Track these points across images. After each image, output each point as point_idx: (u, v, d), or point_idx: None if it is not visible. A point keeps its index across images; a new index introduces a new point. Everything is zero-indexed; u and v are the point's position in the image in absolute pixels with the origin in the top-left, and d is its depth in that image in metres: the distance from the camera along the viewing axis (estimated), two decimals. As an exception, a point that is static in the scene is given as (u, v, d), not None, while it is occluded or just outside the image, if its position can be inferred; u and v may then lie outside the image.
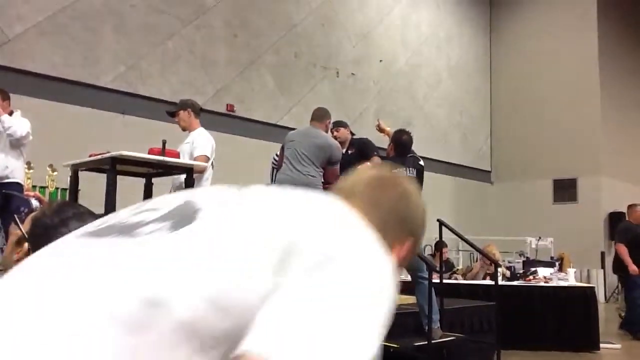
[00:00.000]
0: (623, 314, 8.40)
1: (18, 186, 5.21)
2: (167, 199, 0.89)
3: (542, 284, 7.31)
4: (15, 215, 1.46)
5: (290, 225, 0.76)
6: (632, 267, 7.67)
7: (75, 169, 4.19)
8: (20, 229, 1.40)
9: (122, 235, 0.77)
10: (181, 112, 5.20)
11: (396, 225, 1.04)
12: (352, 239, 0.77)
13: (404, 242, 1.05)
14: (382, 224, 0.95)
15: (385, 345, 3.18)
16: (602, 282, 12.59)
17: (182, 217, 0.78)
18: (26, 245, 1.37)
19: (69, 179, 4.31)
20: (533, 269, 7.73)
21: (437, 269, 5.91)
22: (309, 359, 0.62)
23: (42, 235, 1.36)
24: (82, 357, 0.63)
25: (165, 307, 0.66)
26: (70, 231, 1.35)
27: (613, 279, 10.95)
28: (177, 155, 4.34)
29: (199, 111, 5.32)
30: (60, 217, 1.38)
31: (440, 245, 7.30)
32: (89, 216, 1.43)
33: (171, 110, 5.32)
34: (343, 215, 0.84)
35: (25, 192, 5.18)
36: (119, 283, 0.69)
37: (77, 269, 0.73)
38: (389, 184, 1.08)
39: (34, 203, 4.98)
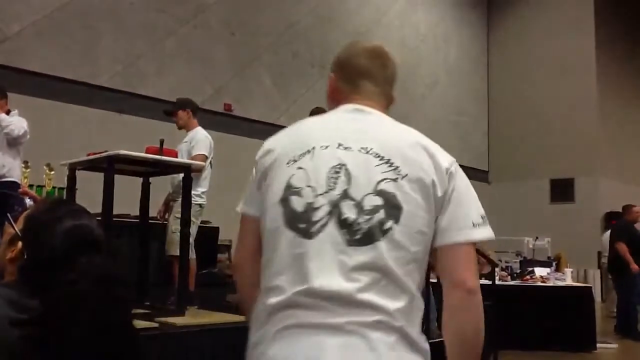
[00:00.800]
0: (614, 315, 8.38)
1: (15, 185, 5.20)
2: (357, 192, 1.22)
3: (539, 283, 7.33)
4: (9, 214, 1.46)
5: (439, 166, 1.27)
6: (634, 266, 7.61)
7: (73, 168, 4.18)
8: (14, 228, 1.39)
9: (373, 244, 1.18)
10: (180, 111, 5.18)
11: (395, 83, 1.49)
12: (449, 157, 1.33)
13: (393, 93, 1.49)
14: (391, 90, 1.50)
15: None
16: (598, 282, 12.61)
17: (392, 209, 1.20)
18: (20, 243, 1.37)
19: (66, 178, 4.30)
20: (530, 269, 7.75)
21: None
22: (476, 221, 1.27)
23: (35, 233, 1.36)
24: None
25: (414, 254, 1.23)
26: (64, 228, 1.35)
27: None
28: (175, 154, 4.33)
29: (197, 110, 5.31)
30: (53, 215, 1.38)
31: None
32: (82, 213, 1.42)
33: (169, 110, 5.30)
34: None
35: (19, 191, 5.17)
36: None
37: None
38: (385, 56, 1.48)
39: (28, 202, 4.98)
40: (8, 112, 5.31)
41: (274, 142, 1.36)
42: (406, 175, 1.23)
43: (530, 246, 10.01)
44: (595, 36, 14.07)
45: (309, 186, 1.23)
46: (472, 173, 14.65)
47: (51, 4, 7.58)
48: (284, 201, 1.24)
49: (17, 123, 5.21)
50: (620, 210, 8.64)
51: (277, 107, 10.20)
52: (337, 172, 1.23)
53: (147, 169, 4.26)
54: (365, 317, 1.14)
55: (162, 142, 4.03)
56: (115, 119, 7.97)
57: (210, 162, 5.12)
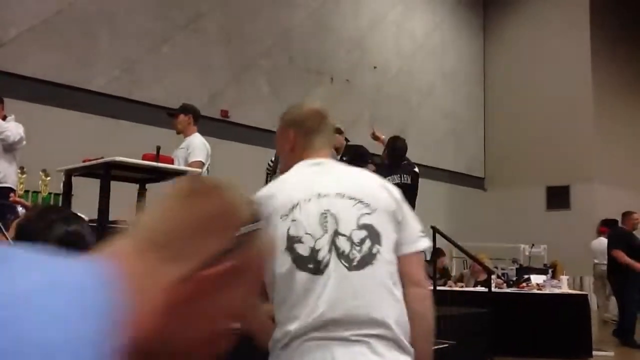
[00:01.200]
0: (615, 319, 8.36)
1: (10, 191, 5.18)
2: (346, 225, 1.57)
3: (535, 291, 7.33)
4: (0, 223, 1.45)
5: (394, 201, 1.66)
6: (638, 265, 7.57)
7: (69, 174, 4.17)
8: (5, 236, 1.39)
9: (368, 266, 1.52)
10: (181, 115, 5.19)
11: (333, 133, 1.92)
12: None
13: None
14: (333, 139, 1.92)
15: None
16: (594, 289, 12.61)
17: (375, 236, 1.55)
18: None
19: (62, 184, 4.29)
20: (526, 276, 7.75)
21: (430, 275, 5.91)
22: (421, 235, 1.68)
23: (27, 241, 1.35)
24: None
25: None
26: (55, 235, 1.34)
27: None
28: (171, 161, 4.33)
29: (198, 118, 5.33)
30: (44, 222, 1.37)
31: (437, 253, 7.34)
32: (73, 219, 1.41)
33: (171, 112, 5.32)
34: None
35: (10, 200, 5.15)
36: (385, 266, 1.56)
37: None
38: (327, 115, 1.81)
39: (21, 210, 4.96)
40: (4, 118, 5.30)
41: (270, 192, 1.63)
42: (376, 209, 1.59)
43: (527, 253, 10.04)
44: (590, 41, 14.14)
45: (307, 234, 1.53)
46: (468, 180, 14.68)
47: (48, 9, 7.59)
48: (290, 249, 1.52)
49: (13, 129, 5.20)
50: (616, 216, 8.64)
51: (273, 113, 10.15)
52: (325, 217, 1.55)
53: (143, 176, 4.26)
54: (367, 330, 1.45)
55: (158, 148, 4.02)
56: (111, 124, 7.96)
57: (207, 169, 5.12)
